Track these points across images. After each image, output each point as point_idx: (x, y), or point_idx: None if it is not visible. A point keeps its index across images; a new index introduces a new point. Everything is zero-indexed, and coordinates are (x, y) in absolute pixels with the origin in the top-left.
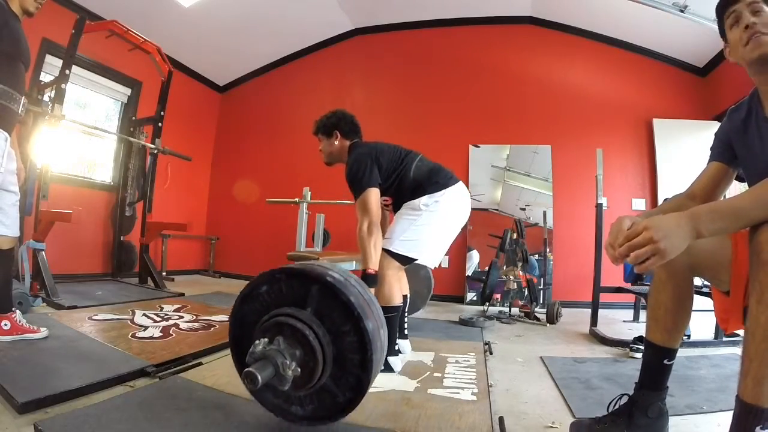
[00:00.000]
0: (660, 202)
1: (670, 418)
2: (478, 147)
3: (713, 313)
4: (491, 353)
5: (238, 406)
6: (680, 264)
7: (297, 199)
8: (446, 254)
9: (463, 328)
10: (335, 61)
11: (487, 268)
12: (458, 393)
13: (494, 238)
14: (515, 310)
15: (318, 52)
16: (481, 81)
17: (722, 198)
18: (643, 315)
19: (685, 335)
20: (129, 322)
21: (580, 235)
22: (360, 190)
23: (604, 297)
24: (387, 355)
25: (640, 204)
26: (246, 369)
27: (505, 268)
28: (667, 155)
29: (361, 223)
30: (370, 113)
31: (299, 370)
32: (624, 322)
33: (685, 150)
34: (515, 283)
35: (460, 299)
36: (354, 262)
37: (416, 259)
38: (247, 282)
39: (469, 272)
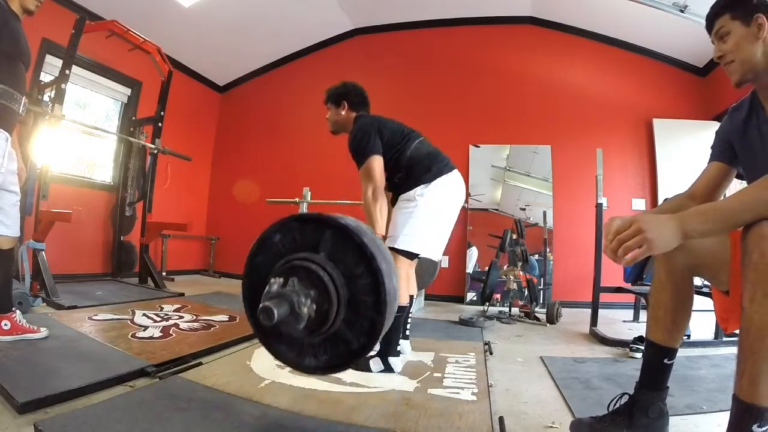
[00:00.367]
0: (660, 202)
1: (670, 418)
2: (478, 147)
3: (713, 313)
4: (491, 353)
5: (238, 406)
6: (680, 264)
7: (297, 199)
8: (446, 254)
9: (463, 328)
10: (335, 61)
11: (487, 268)
12: (458, 393)
13: (494, 238)
14: (515, 310)
15: (318, 52)
16: (481, 81)
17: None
18: (643, 315)
19: (685, 335)
20: (129, 322)
21: (580, 235)
22: (364, 157)
23: (604, 297)
24: (388, 355)
25: (640, 204)
26: (262, 304)
27: (505, 268)
28: (667, 155)
29: (366, 189)
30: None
31: (314, 307)
32: (624, 322)
33: (685, 150)
34: (515, 283)
35: (460, 299)
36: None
37: (420, 254)
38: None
39: (468, 269)
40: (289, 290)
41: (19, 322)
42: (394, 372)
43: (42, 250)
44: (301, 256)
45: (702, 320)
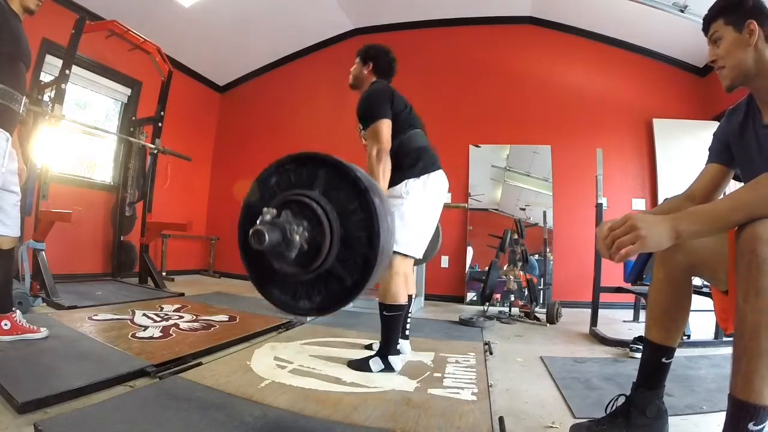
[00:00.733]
0: (660, 202)
1: (670, 418)
2: (478, 147)
3: (713, 313)
4: (491, 353)
5: (238, 406)
6: (679, 263)
7: None
8: (446, 254)
9: (463, 328)
10: (335, 61)
11: (487, 268)
12: (458, 393)
13: (494, 238)
14: (515, 310)
15: (318, 52)
16: (481, 81)
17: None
18: (643, 315)
19: (685, 335)
20: (129, 322)
21: (580, 235)
22: (372, 119)
23: (604, 297)
24: (388, 354)
25: (640, 204)
26: (254, 227)
27: (505, 268)
28: (667, 155)
29: (371, 149)
30: None
31: (306, 235)
32: (624, 322)
33: (685, 150)
34: (515, 283)
35: (460, 299)
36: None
37: (406, 254)
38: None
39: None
40: (282, 220)
41: (19, 322)
42: (394, 371)
43: (42, 250)
44: (295, 191)
45: (702, 320)
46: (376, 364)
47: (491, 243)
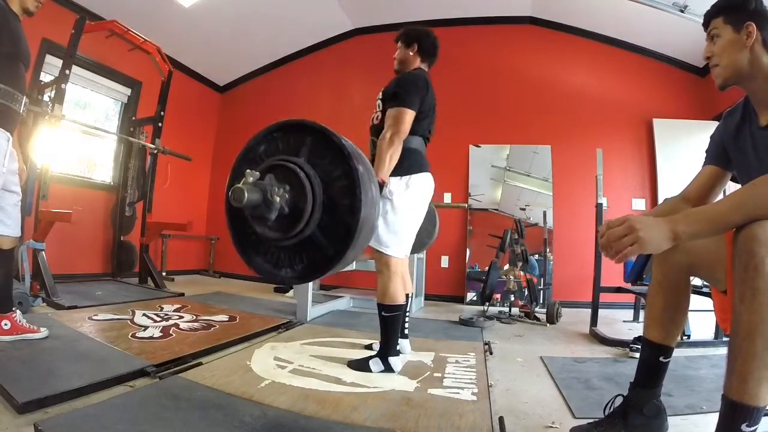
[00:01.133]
0: (660, 202)
1: (670, 418)
2: (479, 147)
3: (713, 313)
4: (491, 353)
5: (238, 406)
6: (677, 263)
7: None
8: (446, 254)
9: (463, 328)
10: (335, 61)
11: (487, 268)
12: (458, 393)
13: (494, 238)
14: (515, 310)
15: (318, 52)
16: (481, 81)
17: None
18: (643, 315)
19: (685, 335)
20: (129, 322)
21: (580, 235)
22: (402, 103)
23: (604, 297)
24: (388, 355)
25: (640, 204)
26: (234, 186)
27: (505, 268)
28: (667, 155)
29: (387, 131)
30: (370, 113)
31: (287, 198)
32: (624, 322)
33: (685, 150)
34: (515, 283)
35: (460, 299)
36: (354, 262)
37: (392, 255)
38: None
39: None
40: (264, 182)
41: (19, 322)
42: (394, 372)
43: (42, 250)
44: (280, 157)
45: (702, 320)
46: (376, 364)
47: (491, 243)
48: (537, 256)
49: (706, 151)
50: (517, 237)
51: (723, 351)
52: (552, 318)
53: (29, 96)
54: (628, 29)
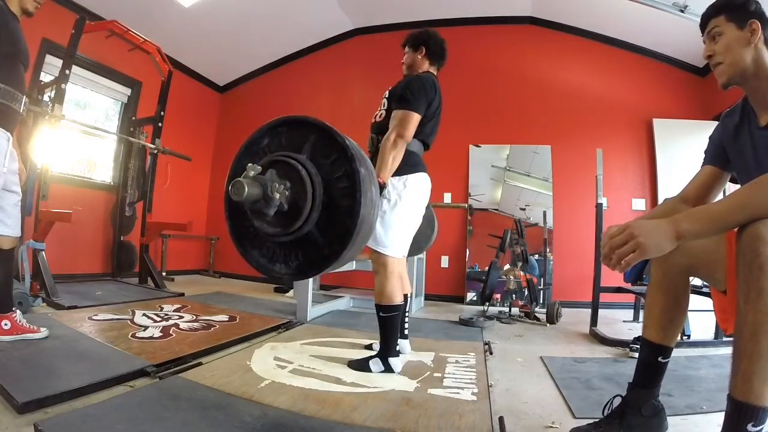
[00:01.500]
0: (660, 202)
1: (670, 418)
2: (479, 147)
3: (713, 313)
4: (491, 353)
5: (238, 406)
6: (676, 264)
7: None
8: (446, 254)
9: (463, 328)
10: (335, 61)
11: (487, 268)
12: (458, 393)
13: (494, 238)
14: (515, 310)
15: (318, 52)
16: (481, 81)
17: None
18: (642, 315)
19: (685, 335)
20: (129, 322)
21: (580, 235)
22: (408, 106)
23: (604, 297)
24: (388, 356)
25: (640, 204)
26: (235, 179)
27: (505, 268)
28: (667, 155)
29: (390, 133)
30: (370, 113)
31: (287, 194)
32: (624, 322)
33: (685, 150)
34: (515, 283)
35: (460, 299)
36: (354, 262)
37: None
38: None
39: None
40: (266, 178)
41: (19, 322)
42: (394, 372)
43: (42, 250)
44: (282, 152)
45: (702, 320)
46: (376, 365)
47: (491, 243)
48: (537, 256)
49: (705, 152)
50: (517, 237)
51: (723, 351)
52: (552, 318)
53: (29, 96)
54: (628, 29)
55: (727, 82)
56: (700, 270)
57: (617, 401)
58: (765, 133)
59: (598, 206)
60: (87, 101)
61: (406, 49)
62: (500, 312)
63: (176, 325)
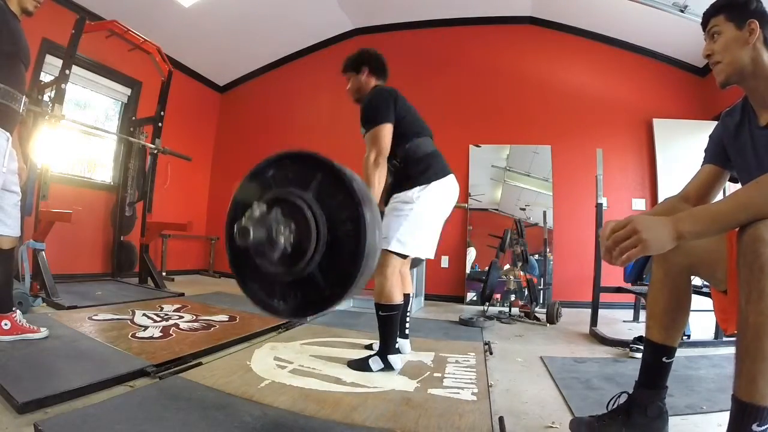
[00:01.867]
0: (660, 201)
1: (670, 418)
2: (479, 147)
3: (713, 313)
4: (491, 353)
5: (238, 406)
6: (678, 263)
7: None
8: (446, 254)
9: (463, 328)
10: (335, 61)
11: (487, 268)
12: (458, 393)
13: (494, 238)
14: (515, 310)
15: (318, 52)
16: (481, 81)
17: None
18: (643, 315)
19: (685, 335)
20: (129, 322)
21: (580, 235)
22: (374, 123)
23: (604, 297)
24: (387, 354)
25: (640, 204)
26: (240, 224)
27: (505, 268)
28: (667, 155)
29: (369, 153)
30: None
31: (291, 238)
32: (624, 322)
33: (685, 150)
34: (515, 283)
35: (460, 299)
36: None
37: (416, 256)
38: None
39: (466, 269)
40: (271, 218)
41: (19, 322)
42: (394, 370)
43: (42, 250)
44: (288, 189)
45: (702, 320)
46: (375, 363)
47: (491, 243)
48: (537, 256)
49: (705, 151)
50: (517, 237)
51: (723, 351)
52: (552, 318)
53: (29, 96)
54: (628, 29)
55: (725, 81)
56: (701, 269)
57: (623, 398)
58: (765, 132)
59: (598, 206)
60: (87, 101)
61: (348, 74)
62: (500, 312)
63: (176, 325)
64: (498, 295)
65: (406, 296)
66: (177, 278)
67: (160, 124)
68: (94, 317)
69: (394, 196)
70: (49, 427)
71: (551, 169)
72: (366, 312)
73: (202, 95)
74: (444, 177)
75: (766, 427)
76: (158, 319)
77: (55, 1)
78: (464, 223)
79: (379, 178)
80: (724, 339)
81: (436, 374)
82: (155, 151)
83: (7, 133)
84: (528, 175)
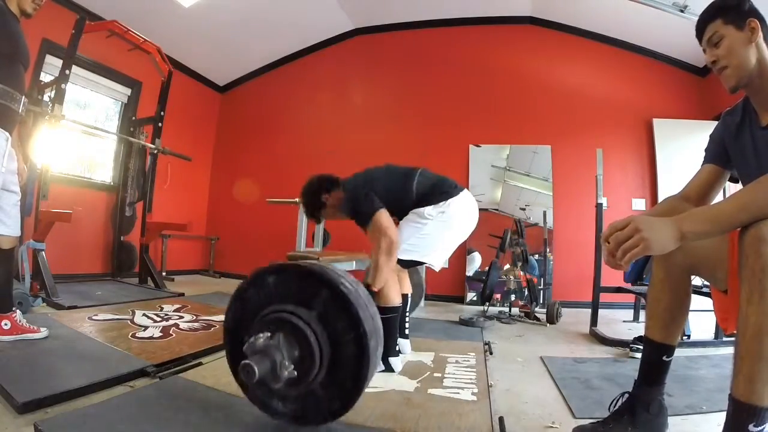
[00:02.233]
0: (660, 201)
1: (670, 418)
2: (479, 147)
3: (713, 313)
4: (491, 353)
5: (239, 406)
6: (678, 263)
7: (297, 199)
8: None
9: (463, 328)
10: (335, 61)
11: (487, 268)
12: (458, 393)
13: (494, 238)
14: (515, 310)
15: (318, 52)
16: (481, 81)
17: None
18: (643, 315)
19: (685, 335)
20: (129, 322)
21: (580, 235)
22: (368, 218)
23: (604, 297)
24: (388, 356)
25: (640, 204)
26: (244, 361)
27: (505, 268)
28: (667, 155)
29: (381, 242)
30: (370, 113)
31: (296, 372)
32: (624, 322)
33: (685, 150)
34: (515, 283)
35: (460, 299)
36: (354, 262)
37: (423, 263)
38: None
39: (470, 273)
40: (274, 346)
41: (19, 322)
42: (394, 372)
43: (42, 250)
44: (291, 309)
45: (702, 320)
46: None
47: (491, 243)
48: (537, 256)
49: (706, 150)
50: (517, 237)
51: (723, 351)
52: (552, 318)
53: (29, 96)
54: (628, 29)
55: (736, 86)
56: (702, 269)
57: (624, 399)
58: (766, 133)
59: (598, 206)
60: (87, 101)
61: (322, 213)
62: (500, 312)
63: (176, 325)
64: (498, 295)
65: (405, 297)
66: (177, 278)
67: (160, 124)
68: (94, 317)
69: (412, 210)
70: (49, 427)
71: (551, 169)
72: None
73: (202, 95)
74: (458, 193)
75: (762, 427)
76: (158, 319)
77: (55, 1)
78: None
79: (388, 270)
80: (724, 339)
81: (436, 374)
82: (155, 151)
83: (7, 133)
84: (528, 175)
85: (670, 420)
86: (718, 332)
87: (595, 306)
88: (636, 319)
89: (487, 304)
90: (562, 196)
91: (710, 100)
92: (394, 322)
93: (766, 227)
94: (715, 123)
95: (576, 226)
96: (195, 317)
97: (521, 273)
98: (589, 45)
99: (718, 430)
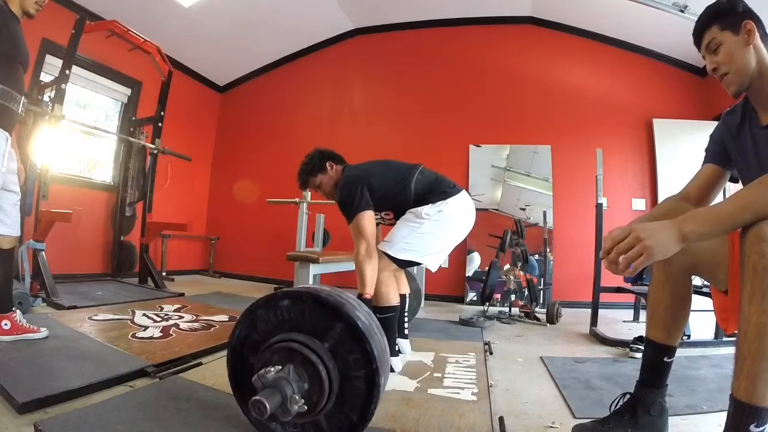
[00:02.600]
0: (660, 201)
1: (670, 418)
2: (479, 147)
3: (713, 313)
4: (491, 353)
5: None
6: (678, 264)
7: (297, 200)
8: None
9: (463, 328)
10: (335, 61)
11: (487, 268)
12: (458, 393)
13: (494, 238)
14: (515, 310)
15: (318, 52)
16: (481, 81)
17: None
18: (643, 315)
19: (685, 335)
20: (129, 322)
21: (580, 235)
22: (352, 214)
23: (604, 297)
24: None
25: (640, 204)
26: (255, 398)
27: (505, 268)
28: (667, 155)
29: (359, 247)
30: (370, 113)
31: (305, 406)
32: (624, 322)
33: (685, 150)
34: (515, 283)
35: (460, 299)
36: (353, 262)
37: (419, 263)
38: (252, 282)
39: (469, 274)
40: (284, 379)
41: (20, 322)
42: (394, 372)
43: (42, 250)
44: (303, 340)
45: (702, 320)
46: None
47: (491, 243)
48: (537, 256)
49: (706, 150)
50: (517, 237)
51: (723, 351)
52: (552, 318)
53: (29, 96)
54: (628, 29)
55: (738, 90)
56: (702, 270)
57: (625, 399)
58: (766, 132)
59: (598, 206)
60: (87, 101)
61: (316, 178)
62: (500, 312)
63: (176, 325)
64: (498, 295)
65: (403, 297)
66: (177, 278)
67: (160, 124)
68: (94, 317)
69: (409, 210)
70: (49, 427)
71: (551, 169)
72: None
73: (202, 95)
74: (456, 194)
75: (763, 427)
76: (158, 319)
77: (55, 1)
78: None
79: (372, 270)
80: (724, 339)
81: (436, 374)
82: (155, 151)
83: (7, 133)
84: (528, 175)
85: (670, 420)
86: (718, 332)
87: (595, 306)
88: (636, 319)
89: (487, 304)
90: (562, 196)
91: (710, 100)
92: (392, 321)
93: (767, 227)
94: (715, 123)
95: (576, 226)
96: (195, 317)
97: (521, 273)
98: (589, 45)
99: (718, 431)
